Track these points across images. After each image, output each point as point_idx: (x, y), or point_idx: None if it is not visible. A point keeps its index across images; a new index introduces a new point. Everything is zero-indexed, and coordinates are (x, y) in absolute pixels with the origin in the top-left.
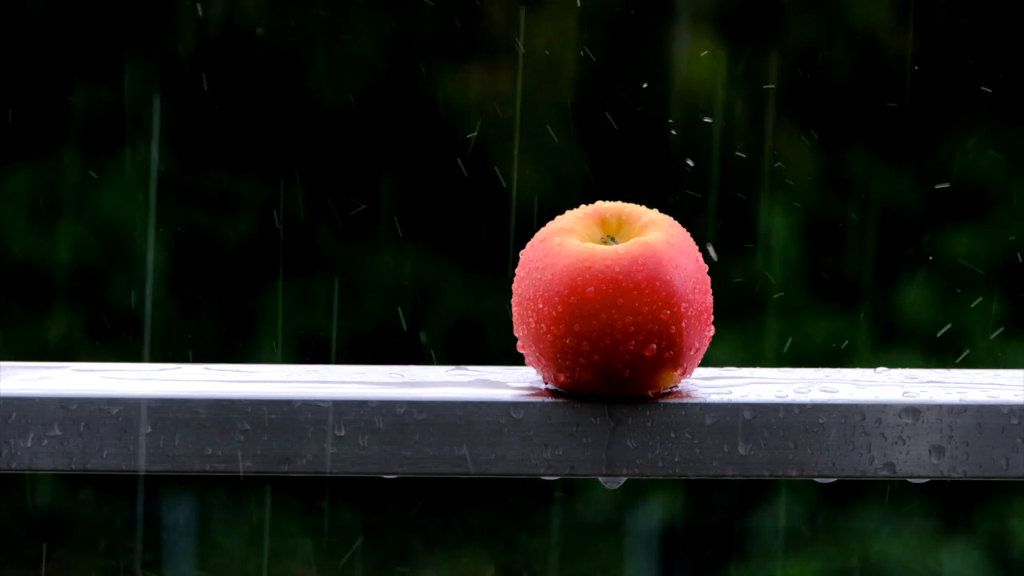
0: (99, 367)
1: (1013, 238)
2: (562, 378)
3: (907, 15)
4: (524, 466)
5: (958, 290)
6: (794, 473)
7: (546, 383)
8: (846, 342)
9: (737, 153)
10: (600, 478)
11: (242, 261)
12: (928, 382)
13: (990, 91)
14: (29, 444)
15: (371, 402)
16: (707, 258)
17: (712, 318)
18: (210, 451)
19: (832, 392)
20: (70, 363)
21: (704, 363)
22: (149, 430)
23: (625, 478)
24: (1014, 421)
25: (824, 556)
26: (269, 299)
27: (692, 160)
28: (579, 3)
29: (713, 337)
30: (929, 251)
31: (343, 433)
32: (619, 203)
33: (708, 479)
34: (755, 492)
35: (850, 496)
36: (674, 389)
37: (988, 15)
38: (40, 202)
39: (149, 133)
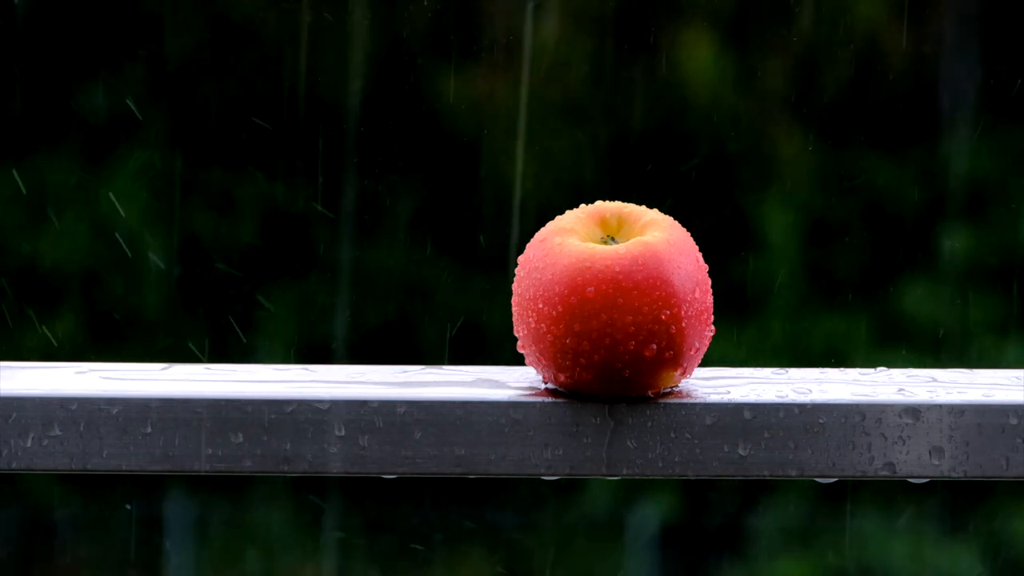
0: (99, 367)
1: (1013, 237)
2: (562, 378)
3: (907, 14)
4: (524, 466)
5: (958, 289)
6: (794, 473)
7: (546, 383)
8: (846, 342)
9: (737, 152)
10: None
11: (242, 261)
12: (928, 382)
13: (990, 89)
14: (29, 444)
15: (371, 402)
16: (706, 257)
17: (712, 318)
18: (210, 451)
19: (832, 392)
20: (70, 363)
21: (704, 363)
22: (149, 430)
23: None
24: (1014, 421)
25: (824, 556)
26: (269, 299)
27: (692, 159)
28: (579, 2)
29: (713, 337)
30: (929, 250)
31: (343, 433)
32: (619, 203)
33: (708, 479)
34: (755, 492)
35: (850, 496)
36: (674, 389)
37: (988, 13)
38: (40, 202)
39: (149, 133)
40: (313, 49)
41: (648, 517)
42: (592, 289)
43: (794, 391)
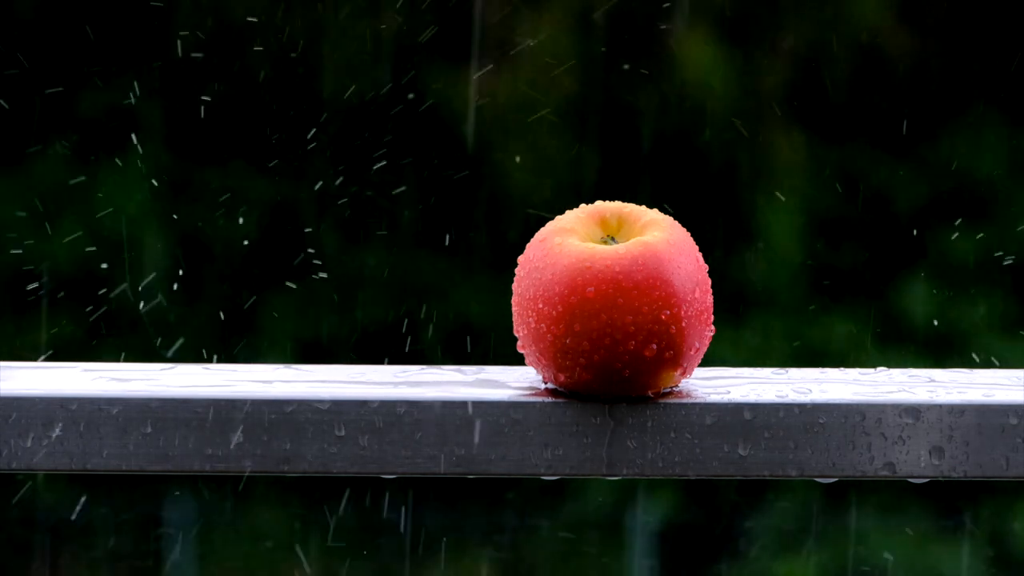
0: (99, 367)
1: (1014, 237)
2: (562, 378)
3: (907, 14)
4: (524, 466)
5: (958, 289)
6: (794, 473)
7: (546, 383)
8: (846, 342)
9: (737, 152)
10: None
11: (242, 260)
12: (928, 382)
13: (991, 90)
14: (29, 444)
15: (371, 402)
16: (706, 257)
17: (712, 318)
18: (210, 451)
19: (832, 392)
20: (71, 363)
21: (704, 363)
22: (149, 430)
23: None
24: (1014, 421)
25: (824, 556)
26: (269, 299)
27: (691, 159)
28: (580, 2)
29: (713, 337)
30: (929, 250)
31: (343, 433)
32: (619, 203)
33: (708, 479)
34: (755, 492)
35: (850, 496)
36: (674, 389)
37: (988, 13)
38: (40, 202)
39: (149, 132)
40: (313, 48)
41: (648, 517)
42: (592, 289)
43: (794, 391)
